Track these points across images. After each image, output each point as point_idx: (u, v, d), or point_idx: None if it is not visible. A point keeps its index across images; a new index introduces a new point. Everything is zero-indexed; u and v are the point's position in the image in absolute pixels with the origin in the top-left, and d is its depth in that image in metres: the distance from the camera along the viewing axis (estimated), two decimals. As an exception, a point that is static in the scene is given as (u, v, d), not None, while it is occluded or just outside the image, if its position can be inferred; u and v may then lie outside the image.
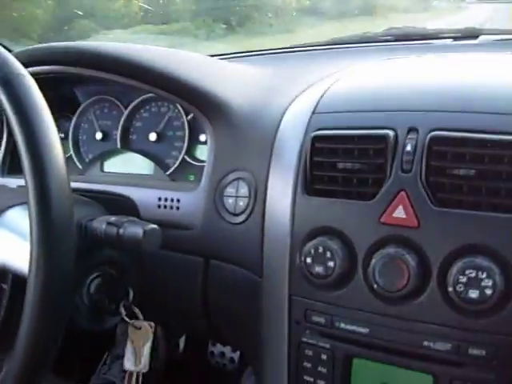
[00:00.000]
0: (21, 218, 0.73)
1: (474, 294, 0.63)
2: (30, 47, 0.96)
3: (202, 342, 1.51)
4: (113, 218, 0.77)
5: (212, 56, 1.24)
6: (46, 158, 0.61)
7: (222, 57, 1.29)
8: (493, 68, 0.85)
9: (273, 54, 1.31)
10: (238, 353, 1.51)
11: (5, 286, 0.75)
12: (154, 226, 0.75)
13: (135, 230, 0.74)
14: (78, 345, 1.35)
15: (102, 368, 1.42)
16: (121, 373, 1.30)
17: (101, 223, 0.77)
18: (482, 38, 1.11)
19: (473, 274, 0.63)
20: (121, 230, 0.75)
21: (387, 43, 1.22)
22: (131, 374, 0.93)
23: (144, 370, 0.93)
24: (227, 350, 1.52)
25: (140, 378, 0.94)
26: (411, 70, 0.91)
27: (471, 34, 1.14)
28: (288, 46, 1.37)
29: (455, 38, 1.14)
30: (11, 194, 0.81)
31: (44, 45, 0.97)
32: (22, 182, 1.01)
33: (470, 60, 0.96)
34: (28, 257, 0.62)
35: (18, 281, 0.72)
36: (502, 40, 1.11)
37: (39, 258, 0.60)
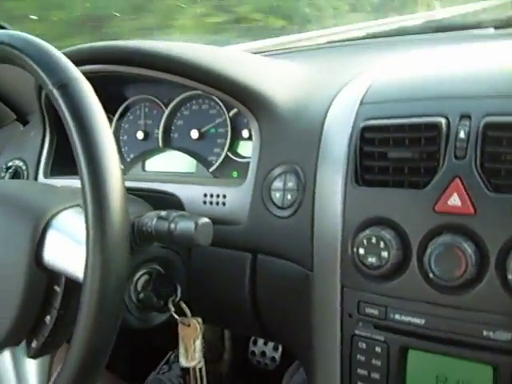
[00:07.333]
0: (75, 221, 0.74)
1: (535, 280, 0.61)
2: (80, 46, 0.97)
3: (242, 341, 1.51)
4: (163, 213, 0.77)
5: (255, 53, 1.24)
6: (103, 164, 0.61)
7: (264, 54, 1.29)
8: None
9: (311, 49, 1.31)
10: (280, 352, 1.51)
11: (57, 289, 0.76)
12: (206, 219, 0.75)
13: (187, 224, 0.74)
14: (137, 342, 1.35)
15: (163, 367, 1.42)
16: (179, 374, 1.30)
17: (151, 219, 0.77)
18: (524, 25, 1.10)
19: (533, 260, 0.61)
20: (172, 225, 0.74)
21: (426, 35, 1.20)
22: (189, 371, 0.93)
23: (199, 366, 0.93)
24: (268, 349, 1.52)
25: (202, 376, 0.94)
26: (455, 58, 0.90)
27: (512, 23, 1.12)
28: (326, 41, 1.36)
29: (496, 28, 1.12)
30: (62, 196, 0.82)
31: (93, 44, 0.97)
32: (64, 183, 1.03)
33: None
34: (82, 261, 0.62)
35: (70, 284, 0.73)
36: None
37: (95, 263, 0.60)
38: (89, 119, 0.63)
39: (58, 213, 0.75)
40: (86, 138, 0.62)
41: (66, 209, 0.76)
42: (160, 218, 0.76)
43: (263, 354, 1.52)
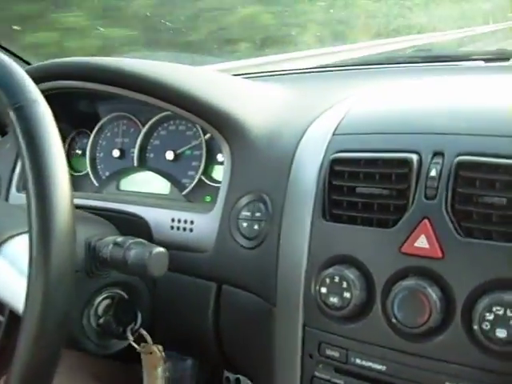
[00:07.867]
0: (22, 249, 0.70)
1: (501, 333, 0.58)
2: (48, 61, 0.94)
3: (217, 367, 1.47)
4: (119, 239, 0.74)
5: (237, 75, 1.21)
6: (51, 198, 0.57)
7: (247, 76, 1.26)
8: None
9: (299, 73, 1.28)
10: (255, 380, 1.47)
11: (0, 318, 0.73)
12: (161, 249, 0.72)
13: (141, 252, 0.71)
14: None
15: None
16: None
17: (107, 244, 0.74)
18: (513, 60, 1.07)
19: (501, 312, 0.58)
20: (126, 253, 0.72)
21: (415, 64, 1.17)
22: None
23: None
24: (243, 376, 1.47)
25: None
26: (438, 91, 0.87)
27: (502, 56, 1.09)
28: (314, 65, 1.34)
29: (486, 60, 1.10)
30: (18, 220, 0.78)
31: (62, 59, 0.95)
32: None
33: (502, 82, 0.91)
34: (23, 293, 0.58)
35: (14, 314, 0.70)
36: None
37: (34, 301, 0.56)
38: (41, 148, 0.59)
39: (7, 239, 0.71)
40: (36, 168, 0.58)
41: (17, 235, 0.72)
42: (116, 244, 0.73)
43: (238, 381, 1.48)
